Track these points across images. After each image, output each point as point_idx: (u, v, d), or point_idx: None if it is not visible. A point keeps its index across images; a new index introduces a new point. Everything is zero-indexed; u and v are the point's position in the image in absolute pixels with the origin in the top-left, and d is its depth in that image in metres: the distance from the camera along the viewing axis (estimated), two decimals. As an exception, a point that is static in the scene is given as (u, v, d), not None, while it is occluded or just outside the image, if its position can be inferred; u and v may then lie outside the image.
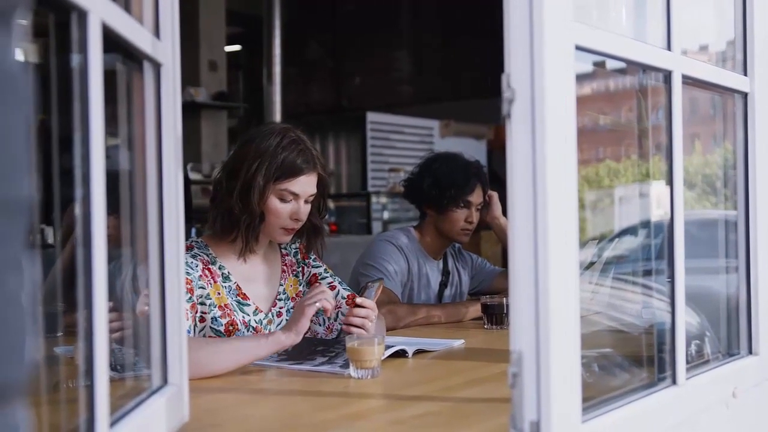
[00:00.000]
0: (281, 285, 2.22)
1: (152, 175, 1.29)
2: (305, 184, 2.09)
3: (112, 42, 1.05)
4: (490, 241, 6.12)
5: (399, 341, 2.06)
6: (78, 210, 0.96)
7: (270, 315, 2.17)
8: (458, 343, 2.25)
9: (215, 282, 2.08)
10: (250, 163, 2.05)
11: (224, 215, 2.09)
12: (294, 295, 2.24)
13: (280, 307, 2.20)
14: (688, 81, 1.49)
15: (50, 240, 2.36)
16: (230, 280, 2.11)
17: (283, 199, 2.08)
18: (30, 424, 0.59)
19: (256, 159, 2.05)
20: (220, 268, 2.11)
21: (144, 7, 1.26)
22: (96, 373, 0.96)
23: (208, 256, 2.11)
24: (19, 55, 0.53)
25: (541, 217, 1.10)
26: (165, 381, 1.30)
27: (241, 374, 1.87)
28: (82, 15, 0.94)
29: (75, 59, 0.96)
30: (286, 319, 2.17)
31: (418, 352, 2.07)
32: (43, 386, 1.08)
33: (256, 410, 1.57)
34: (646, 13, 1.71)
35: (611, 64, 1.49)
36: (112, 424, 1.03)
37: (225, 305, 2.07)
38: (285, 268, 2.25)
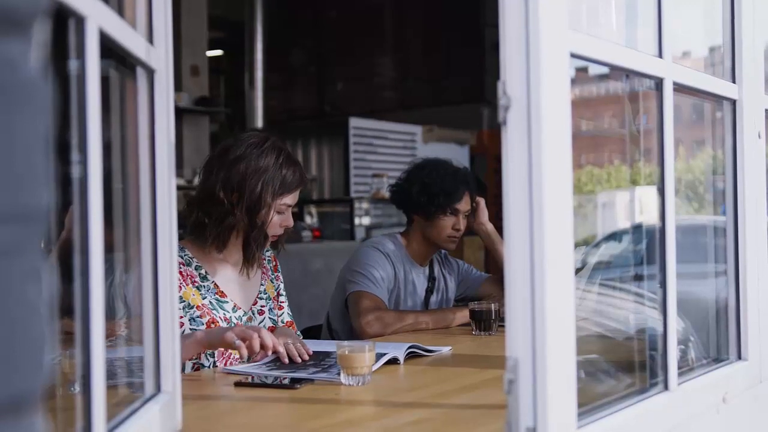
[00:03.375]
0: (262, 285, 2.30)
1: (145, 181, 1.28)
2: (297, 195, 2.22)
3: (107, 48, 1.04)
4: (473, 247, 6.13)
5: (389, 347, 2.05)
6: (75, 215, 0.95)
7: (250, 312, 2.24)
8: (446, 349, 2.24)
9: (191, 283, 2.12)
10: (255, 182, 2.11)
11: (226, 230, 2.14)
12: (272, 297, 2.33)
13: (262, 306, 2.28)
14: (678, 88, 1.50)
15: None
16: (208, 280, 2.16)
17: (280, 212, 2.18)
18: None
19: (259, 178, 2.12)
20: (196, 269, 2.15)
21: (137, 13, 1.25)
22: (93, 382, 0.94)
23: (182, 257, 2.13)
24: (38, 64, 0.52)
25: (537, 223, 1.10)
26: (158, 389, 1.29)
27: (233, 382, 1.86)
28: (80, 21, 0.93)
29: (72, 65, 0.95)
30: (269, 317, 2.28)
31: (410, 355, 2.07)
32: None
33: (249, 418, 1.56)
34: (635, 19, 1.72)
35: (594, 69, 1.49)
36: (108, 433, 1.02)
37: (202, 305, 2.11)
38: (264, 270, 2.34)
